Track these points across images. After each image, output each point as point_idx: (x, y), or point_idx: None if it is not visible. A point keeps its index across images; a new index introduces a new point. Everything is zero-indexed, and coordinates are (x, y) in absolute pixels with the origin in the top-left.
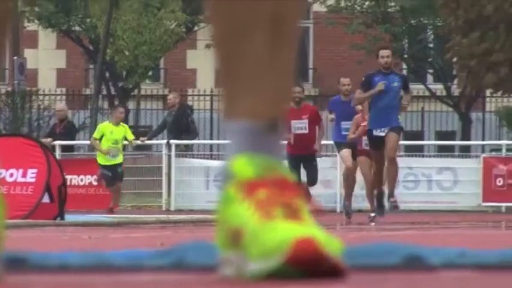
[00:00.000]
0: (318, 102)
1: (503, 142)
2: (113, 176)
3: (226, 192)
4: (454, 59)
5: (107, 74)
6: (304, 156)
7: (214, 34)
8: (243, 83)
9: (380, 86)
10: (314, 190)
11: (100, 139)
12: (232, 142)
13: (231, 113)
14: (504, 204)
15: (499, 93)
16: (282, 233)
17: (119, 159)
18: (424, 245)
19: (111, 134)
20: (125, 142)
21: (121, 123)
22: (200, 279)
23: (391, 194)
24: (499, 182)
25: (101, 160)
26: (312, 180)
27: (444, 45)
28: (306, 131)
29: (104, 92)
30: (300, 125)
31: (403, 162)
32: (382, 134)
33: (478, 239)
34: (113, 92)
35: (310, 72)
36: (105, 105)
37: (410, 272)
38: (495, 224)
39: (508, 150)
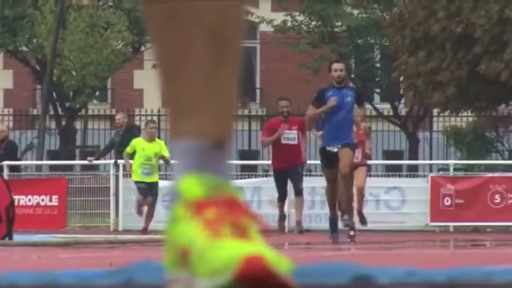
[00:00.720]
0: (265, 122)
1: (451, 162)
2: (147, 191)
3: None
4: (401, 78)
5: (54, 94)
6: (291, 167)
7: (155, 53)
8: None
9: (331, 101)
10: (262, 210)
11: (134, 155)
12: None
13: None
14: (452, 224)
15: (446, 113)
16: (231, 250)
17: (154, 177)
18: (373, 265)
19: (143, 151)
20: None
21: (157, 140)
22: None
23: (345, 212)
24: (447, 201)
25: (135, 176)
26: (298, 189)
27: (391, 64)
28: (295, 142)
29: (51, 112)
30: (290, 136)
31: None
32: (335, 150)
33: (426, 259)
34: (60, 112)
35: (257, 92)
36: (53, 125)
37: None
38: (443, 244)
39: (455, 169)
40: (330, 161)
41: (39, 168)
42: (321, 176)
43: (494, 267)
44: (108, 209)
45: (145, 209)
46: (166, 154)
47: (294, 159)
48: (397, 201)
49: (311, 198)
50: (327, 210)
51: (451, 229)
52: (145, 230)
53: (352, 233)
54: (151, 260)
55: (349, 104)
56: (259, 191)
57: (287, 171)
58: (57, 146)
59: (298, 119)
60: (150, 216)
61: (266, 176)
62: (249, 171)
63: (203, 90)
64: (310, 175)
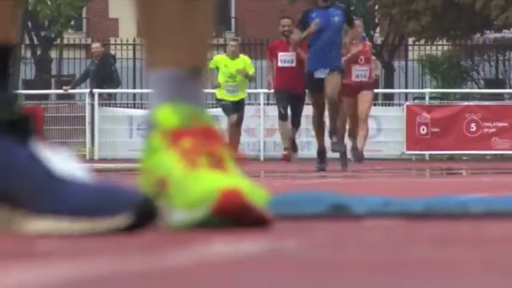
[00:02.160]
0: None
1: (426, 90)
2: (231, 110)
3: (150, 141)
4: (376, 7)
5: (29, 23)
6: (290, 94)
7: None
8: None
9: (313, 25)
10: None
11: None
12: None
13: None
14: (427, 152)
15: (422, 42)
16: (208, 183)
17: (239, 95)
18: (349, 194)
19: (226, 68)
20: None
21: (241, 56)
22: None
23: (333, 131)
24: (423, 130)
25: (220, 94)
26: (296, 122)
27: None
28: (293, 64)
29: (27, 42)
30: (286, 58)
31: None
32: (322, 76)
33: (402, 187)
34: (35, 41)
35: (232, 21)
36: (28, 54)
37: (335, 220)
38: (419, 172)
39: (431, 98)
40: (316, 87)
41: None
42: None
43: (470, 196)
44: (84, 138)
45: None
46: (251, 71)
47: (293, 85)
48: (372, 129)
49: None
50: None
51: (427, 157)
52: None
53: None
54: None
55: (336, 25)
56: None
57: (288, 94)
58: (32, 75)
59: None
60: (236, 136)
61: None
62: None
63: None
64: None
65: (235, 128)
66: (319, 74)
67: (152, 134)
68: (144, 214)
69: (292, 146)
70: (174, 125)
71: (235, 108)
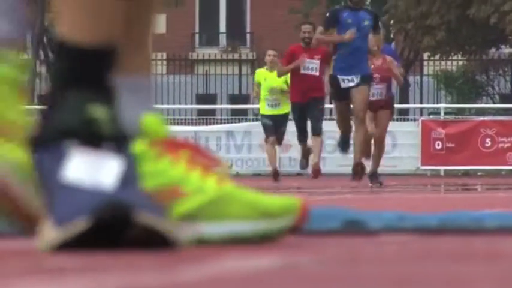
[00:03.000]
0: (256, 66)
1: (442, 105)
2: (274, 126)
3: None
4: (391, 22)
5: (45, 39)
6: (309, 102)
7: None
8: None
9: (349, 34)
10: (252, 154)
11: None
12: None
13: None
14: (443, 168)
15: (437, 57)
16: (283, 198)
17: (282, 109)
18: (364, 209)
19: (265, 81)
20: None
21: None
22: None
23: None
24: (438, 145)
25: (262, 109)
26: (316, 129)
27: (381, 8)
28: (316, 73)
29: (42, 57)
30: (311, 65)
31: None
32: (351, 84)
33: (417, 203)
34: (50, 57)
35: (248, 36)
36: (43, 70)
37: (350, 236)
38: (434, 188)
39: (446, 113)
40: (342, 95)
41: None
42: (330, 120)
43: (485, 212)
44: None
45: (271, 148)
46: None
47: (313, 92)
48: (388, 145)
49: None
50: (332, 154)
51: (442, 173)
52: (276, 176)
53: (370, 184)
54: None
55: (365, 29)
56: (249, 135)
57: (305, 107)
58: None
59: (322, 48)
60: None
61: (256, 120)
62: (239, 115)
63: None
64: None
65: (274, 146)
66: (346, 83)
67: (137, 142)
68: (107, 217)
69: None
70: (164, 135)
71: (277, 125)
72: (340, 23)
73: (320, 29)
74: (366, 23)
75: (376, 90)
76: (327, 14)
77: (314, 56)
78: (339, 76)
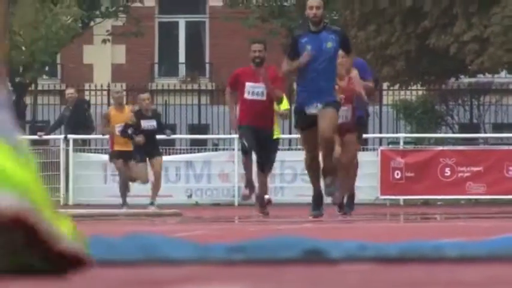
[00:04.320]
0: (215, 97)
1: (401, 135)
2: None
3: None
4: None
5: None
6: (261, 130)
7: None
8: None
9: (305, 56)
10: (212, 184)
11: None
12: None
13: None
14: (402, 197)
15: (396, 87)
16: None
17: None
18: (324, 238)
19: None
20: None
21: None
22: (103, 274)
23: (327, 173)
24: (397, 174)
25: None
26: (264, 164)
27: None
28: (264, 98)
29: None
30: (257, 90)
31: (296, 155)
32: (314, 111)
33: (377, 232)
34: (10, 86)
35: (207, 66)
36: None
37: (310, 265)
38: (393, 217)
39: (405, 143)
40: (307, 124)
41: None
42: (288, 150)
43: (445, 241)
44: (58, 183)
45: None
46: (284, 107)
47: (264, 121)
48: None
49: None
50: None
51: (401, 202)
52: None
53: (338, 210)
54: (102, 234)
55: (329, 51)
56: (208, 165)
57: (257, 131)
58: None
59: (272, 68)
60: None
61: (216, 150)
62: (198, 145)
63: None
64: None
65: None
66: (311, 109)
67: None
68: None
69: (250, 186)
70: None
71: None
72: (300, 49)
73: (284, 60)
74: (330, 44)
75: (342, 113)
76: (289, 42)
77: (259, 80)
78: (303, 105)
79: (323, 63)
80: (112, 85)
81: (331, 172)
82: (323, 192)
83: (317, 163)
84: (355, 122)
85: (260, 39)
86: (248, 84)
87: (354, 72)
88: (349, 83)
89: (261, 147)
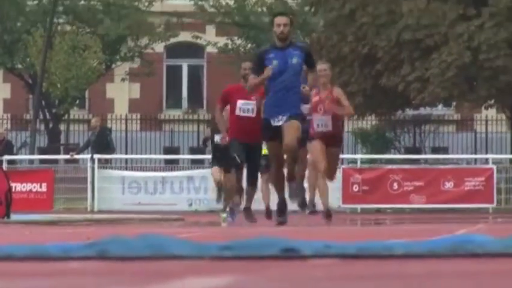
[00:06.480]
0: (211, 126)
1: (358, 156)
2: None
3: None
4: None
5: (43, 102)
6: (252, 144)
7: None
8: None
9: (267, 70)
10: (209, 195)
11: None
12: None
13: None
14: (359, 206)
15: (355, 117)
16: None
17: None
18: (297, 239)
19: None
20: None
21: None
22: (120, 267)
23: (290, 178)
24: (355, 188)
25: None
26: (252, 175)
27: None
28: (254, 115)
29: (41, 117)
30: (247, 107)
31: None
32: (280, 124)
33: (340, 234)
34: (48, 116)
35: (205, 101)
36: (42, 127)
37: (286, 260)
38: (353, 222)
39: (362, 162)
40: (272, 135)
41: (31, 161)
42: None
43: (393, 241)
44: (86, 194)
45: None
46: None
47: (254, 136)
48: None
49: None
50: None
51: (359, 210)
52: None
53: (308, 209)
54: (120, 235)
55: (294, 67)
56: (206, 180)
57: (246, 146)
58: (45, 143)
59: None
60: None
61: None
62: (197, 163)
63: None
64: None
65: (268, 183)
66: (277, 121)
67: None
68: None
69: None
70: None
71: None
72: (266, 64)
73: (251, 75)
74: (295, 60)
75: (321, 121)
76: (255, 58)
77: (251, 97)
78: (269, 118)
79: (289, 77)
80: (129, 115)
81: (294, 178)
82: (287, 200)
83: (282, 173)
84: (339, 133)
85: (285, 11)
86: (240, 102)
87: (338, 90)
88: (329, 94)
89: (250, 161)
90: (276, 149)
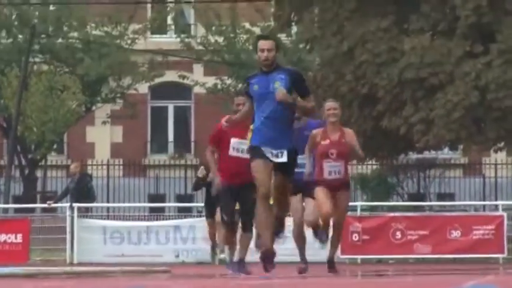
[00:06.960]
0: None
1: (358, 203)
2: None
3: None
4: None
5: (18, 147)
6: (243, 186)
7: None
8: None
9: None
10: (196, 245)
11: None
12: None
13: None
14: (359, 257)
15: (354, 162)
16: None
17: None
18: None
19: None
20: None
21: None
22: None
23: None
24: (355, 237)
25: None
26: (247, 222)
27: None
28: (247, 155)
29: (16, 163)
30: (241, 147)
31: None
32: (280, 160)
33: (339, 286)
34: (23, 162)
35: (192, 144)
36: (17, 173)
37: None
38: (352, 274)
39: (362, 210)
40: (259, 154)
41: (5, 210)
42: None
43: None
44: (65, 244)
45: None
46: None
47: (246, 175)
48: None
49: None
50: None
51: (359, 261)
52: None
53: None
54: None
55: (276, 92)
56: (193, 229)
57: (238, 189)
58: (21, 191)
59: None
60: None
61: (200, 216)
62: (185, 212)
63: None
64: None
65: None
66: (266, 152)
67: None
68: None
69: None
70: None
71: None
72: (250, 91)
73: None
74: (277, 84)
75: (334, 168)
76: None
77: (244, 135)
78: (259, 144)
79: (271, 105)
80: (111, 160)
81: (280, 222)
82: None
83: (271, 212)
84: (347, 179)
85: (268, 35)
86: (234, 141)
87: (351, 133)
88: (342, 137)
89: (243, 203)
90: (262, 169)
